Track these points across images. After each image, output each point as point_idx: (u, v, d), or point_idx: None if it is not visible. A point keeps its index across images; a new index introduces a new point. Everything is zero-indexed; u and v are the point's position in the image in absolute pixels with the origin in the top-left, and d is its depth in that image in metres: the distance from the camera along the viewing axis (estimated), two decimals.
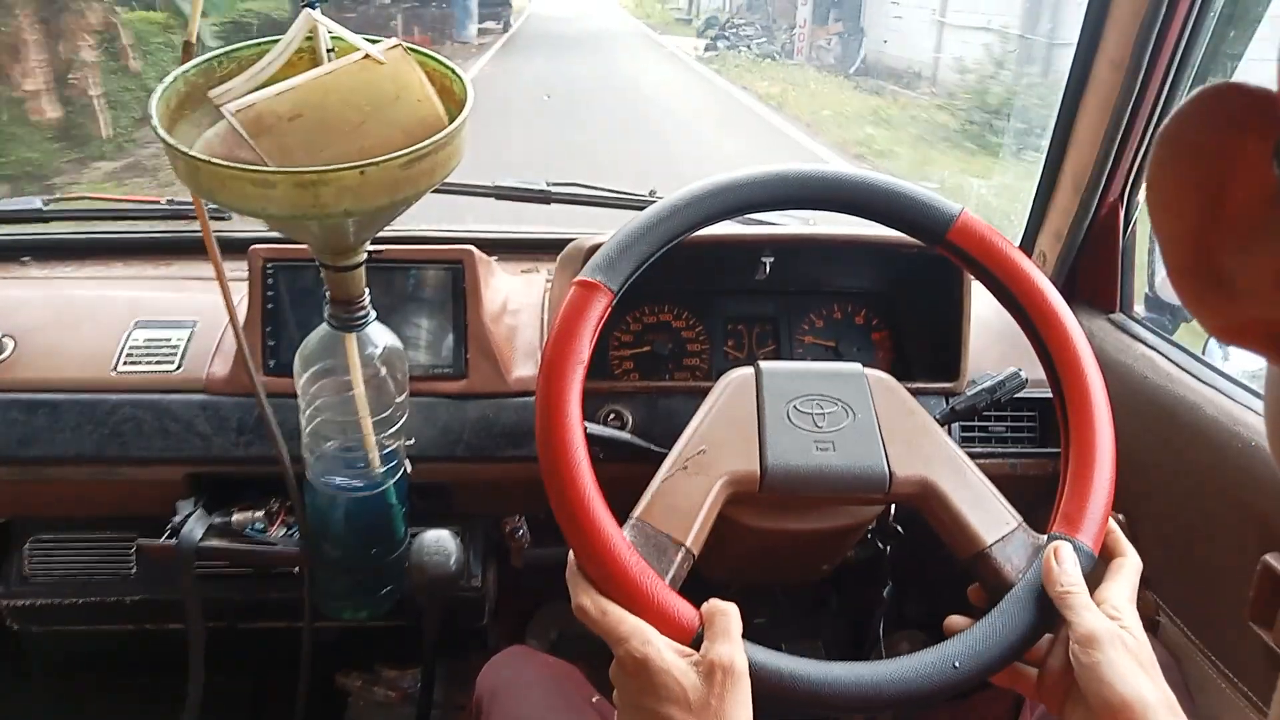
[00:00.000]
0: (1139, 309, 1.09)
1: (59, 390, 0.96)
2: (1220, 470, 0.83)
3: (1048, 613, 0.63)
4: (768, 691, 0.59)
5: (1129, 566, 0.66)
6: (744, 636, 0.61)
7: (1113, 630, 0.59)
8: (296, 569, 0.96)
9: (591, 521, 0.61)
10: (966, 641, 0.62)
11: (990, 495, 0.70)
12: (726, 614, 0.59)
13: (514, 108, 6.86)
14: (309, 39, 0.70)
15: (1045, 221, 1.15)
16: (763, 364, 0.75)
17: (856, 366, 0.76)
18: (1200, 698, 0.84)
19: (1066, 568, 0.63)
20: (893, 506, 0.87)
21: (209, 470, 0.97)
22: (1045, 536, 0.67)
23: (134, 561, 1.02)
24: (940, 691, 0.61)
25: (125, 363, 0.99)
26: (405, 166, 0.62)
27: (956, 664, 0.61)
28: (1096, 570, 0.66)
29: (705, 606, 0.60)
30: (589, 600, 0.60)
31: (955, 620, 0.67)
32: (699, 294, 1.07)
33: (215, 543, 0.94)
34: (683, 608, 0.61)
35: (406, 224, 1.17)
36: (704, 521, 0.66)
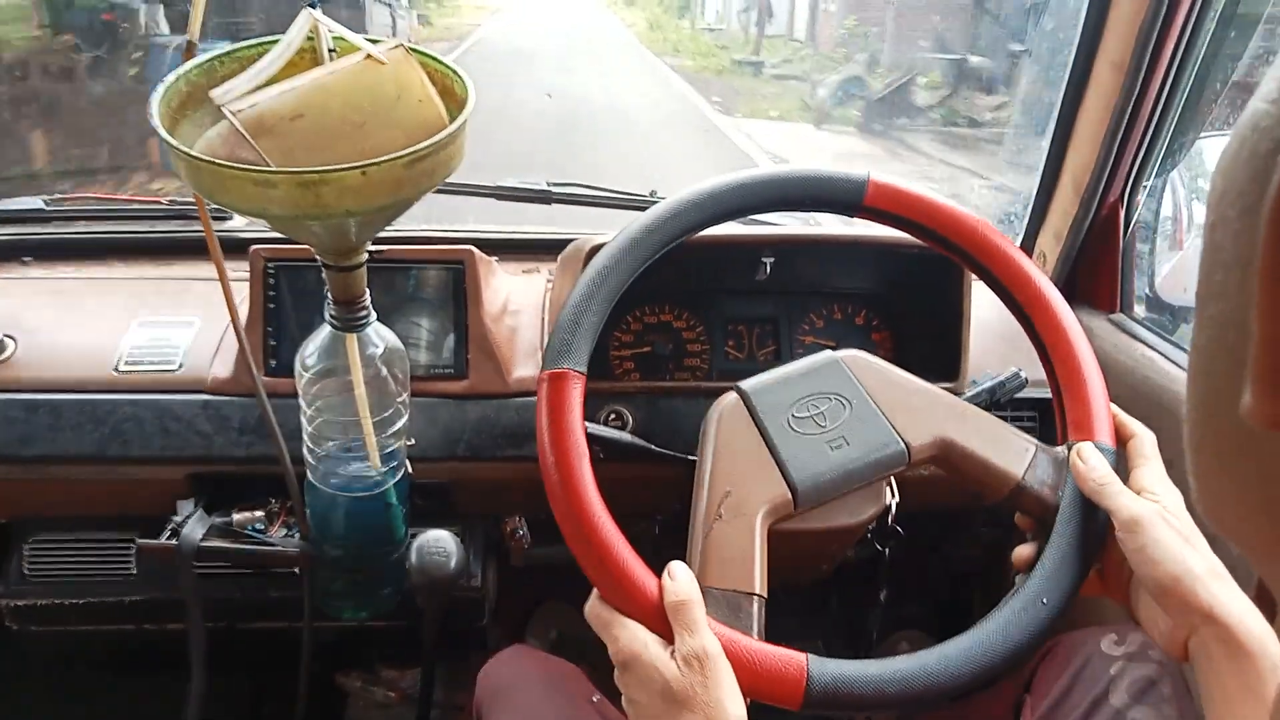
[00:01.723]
0: (1139, 309, 1.09)
1: (60, 390, 0.96)
2: None
3: (1100, 524, 0.64)
4: (891, 701, 0.59)
5: (1146, 443, 0.68)
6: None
7: (1152, 510, 0.61)
8: (297, 569, 0.96)
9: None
10: (1044, 575, 0.63)
11: (1002, 429, 0.71)
12: (687, 604, 0.60)
13: None
14: (310, 39, 0.70)
15: (1045, 222, 1.15)
16: (744, 384, 0.73)
17: (829, 354, 0.75)
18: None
19: (1094, 463, 0.66)
20: (892, 506, 0.88)
21: (210, 470, 0.97)
22: (1064, 448, 0.69)
23: (134, 561, 1.02)
24: (1043, 634, 0.62)
25: (126, 362, 0.99)
26: (407, 166, 0.62)
27: (1044, 600, 0.62)
28: (1120, 459, 0.68)
29: (666, 600, 0.60)
30: (595, 607, 0.63)
31: (1023, 550, 0.69)
32: (699, 294, 1.07)
33: (216, 543, 0.94)
34: (782, 656, 0.60)
35: (407, 224, 1.17)
36: (761, 563, 0.65)
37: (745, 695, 0.59)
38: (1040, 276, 0.74)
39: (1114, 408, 0.71)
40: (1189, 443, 0.27)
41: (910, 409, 0.72)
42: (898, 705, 0.60)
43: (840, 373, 0.74)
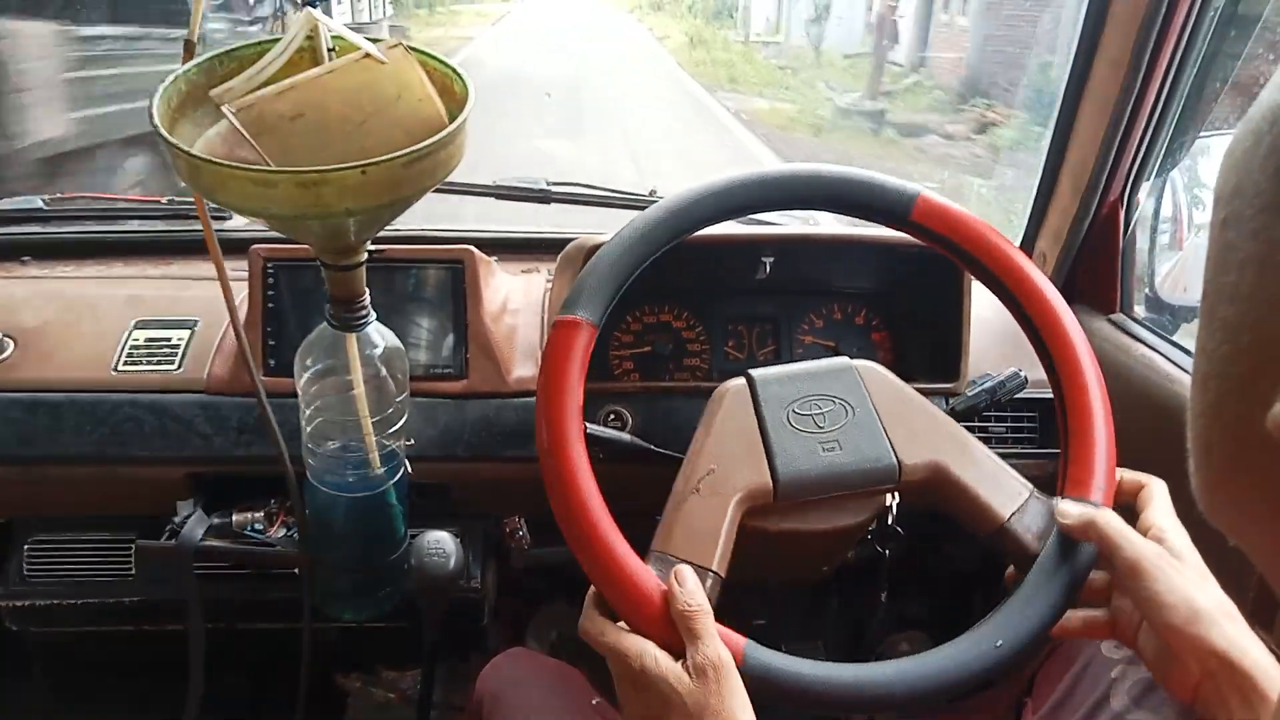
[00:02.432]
0: (1139, 309, 1.09)
1: (59, 390, 0.96)
2: None
3: (1077, 574, 0.63)
4: (812, 701, 0.60)
5: (1157, 488, 0.67)
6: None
7: (1154, 554, 0.59)
8: (296, 569, 0.96)
9: (617, 563, 0.61)
10: (1003, 620, 0.63)
11: (999, 468, 0.70)
12: (696, 614, 0.59)
13: None
14: (310, 38, 0.70)
15: (1045, 222, 1.15)
16: (754, 372, 0.74)
17: (845, 360, 0.75)
18: None
19: (1072, 510, 0.64)
20: (893, 507, 0.88)
21: (209, 470, 0.97)
22: (1058, 499, 0.67)
23: (133, 562, 1.02)
24: (990, 673, 0.61)
25: (125, 362, 0.99)
26: (406, 166, 0.62)
27: (999, 643, 0.61)
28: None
29: (674, 610, 0.59)
30: (590, 623, 0.62)
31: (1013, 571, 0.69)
32: (699, 294, 1.07)
33: (215, 543, 0.94)
34: (723, 634, 0.60)
35: (407, 223, 1.17)
36: (726, 542, 0.66)
37: None
38: (1074, 327, 0.72)
39: (1121, 471, 0.69)
40: (1196, 446, 0.26)
41: (911, 429, 0.71)
42: (823, 708, 0.60)
43: (851, 379, 0.74)
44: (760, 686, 0.59)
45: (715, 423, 0.72)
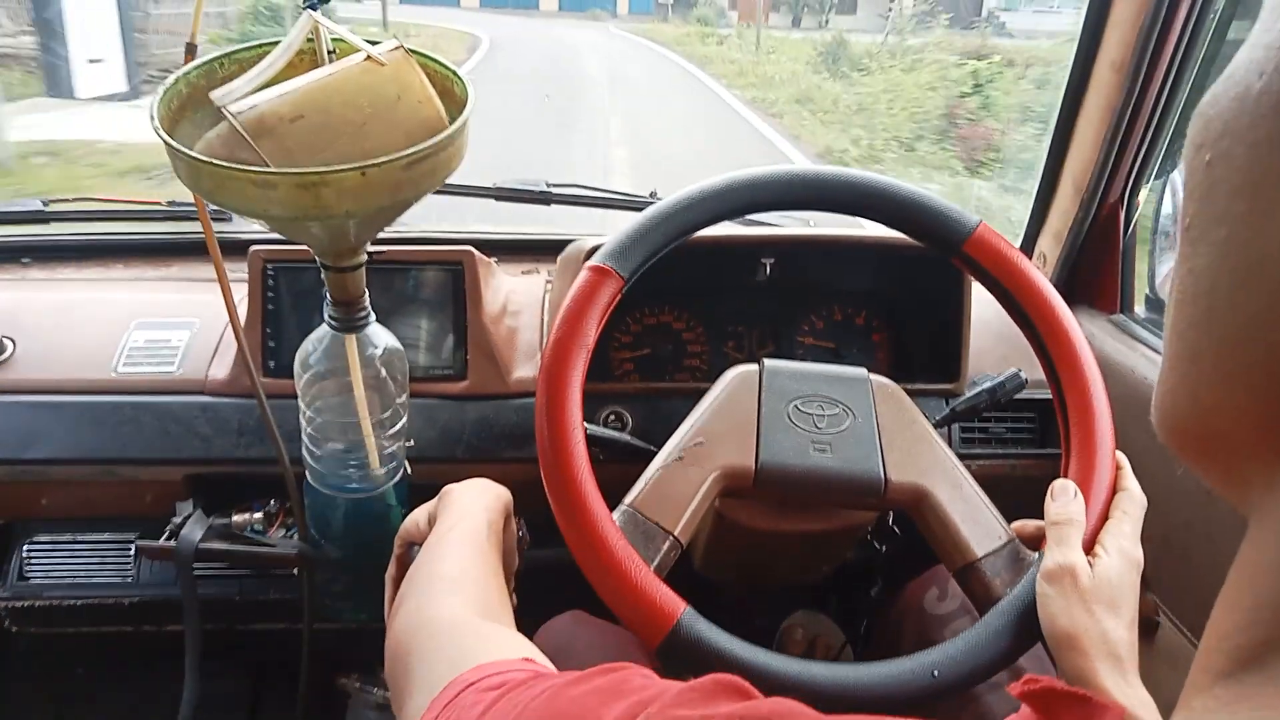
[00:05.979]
0: (1140, 310, 1.09)
1: (59, 391, 0.96)
2: None
3: (1031, 628, 0.62)
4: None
5: (1129, 507, 0.66)
6: (744, 638, 0.61)
7: (1067, 568, 0.60)
8: (295, 570, 0.96)
9: (583, 502, 0.63)
10: (947, 651, 0.62)
11: (984, 508, 0.69)
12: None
13: None
14: (310, 40, 0.70)
15: (1045, 223, 1.15)
16: (768, 362, 0.75)
17: (861, 371, 0.76)
18: None
19: (1067, 502, 0.64)
20: (890, 515, 0.87)
21: (208, 471, 0.97)
22: (1037, 555, 0.66)
23: (133, 563, 1.02)
24: (917, 698, 0.61)
25: (125, 364, 0.99)
26: (407, 167, 0.62)
27: (935, 673, 0.61)
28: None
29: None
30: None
31: (1025, 525, 0.70)
32: (699, 295, 1.07)
33: (214, 544, 0.94)
34: (664, 594, 0.61)
35: (406, 225, 1.17)
36: (694, 512, 0.66)
37: (618, 617, 0.61)
38: (1103, 406, 0.71)
39: (1121, 457, 0.69)
40: (1181, 359, 0.28)
41: (909, 452, 0.71)
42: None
43: (862, 390, 0.74)
44: (686, 655, 0.60)
45: (717, 400, 0.73)
